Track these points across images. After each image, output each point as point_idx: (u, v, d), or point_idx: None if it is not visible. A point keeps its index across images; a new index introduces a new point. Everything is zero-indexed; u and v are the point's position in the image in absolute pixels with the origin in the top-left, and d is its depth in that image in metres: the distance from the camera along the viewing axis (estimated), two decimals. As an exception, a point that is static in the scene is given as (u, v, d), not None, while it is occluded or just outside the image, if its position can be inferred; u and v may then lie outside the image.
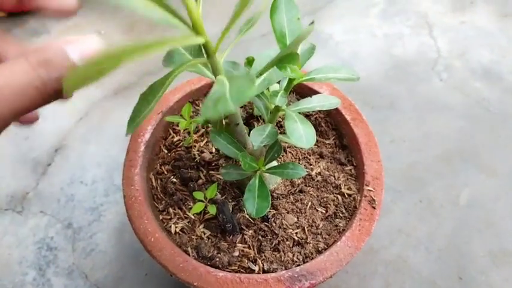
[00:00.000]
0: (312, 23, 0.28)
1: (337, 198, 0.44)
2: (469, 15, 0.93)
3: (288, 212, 0.43)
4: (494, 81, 0.82)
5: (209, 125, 0.47)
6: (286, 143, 0.46)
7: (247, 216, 0.43)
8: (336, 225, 0.42)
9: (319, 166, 0.46)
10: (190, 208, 0.44)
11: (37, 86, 0.23)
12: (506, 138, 0.75)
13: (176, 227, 0.43)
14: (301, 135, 0.34)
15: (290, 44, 0.29)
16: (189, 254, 0.40)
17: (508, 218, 0.67)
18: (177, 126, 0.50)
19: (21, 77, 0.23)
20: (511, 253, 0.64)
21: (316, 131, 0.41)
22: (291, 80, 0.35)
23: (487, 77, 0.83)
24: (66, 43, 0.25)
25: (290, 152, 0.47)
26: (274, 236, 0.41)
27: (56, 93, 0.25)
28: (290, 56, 0.29)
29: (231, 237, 0.42)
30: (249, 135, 0.38)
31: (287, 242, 0.41)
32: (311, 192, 0.44)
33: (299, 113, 0.37)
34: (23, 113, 0.24)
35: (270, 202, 0.37)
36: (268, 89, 0.39)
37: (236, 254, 0.41)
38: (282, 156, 0.47)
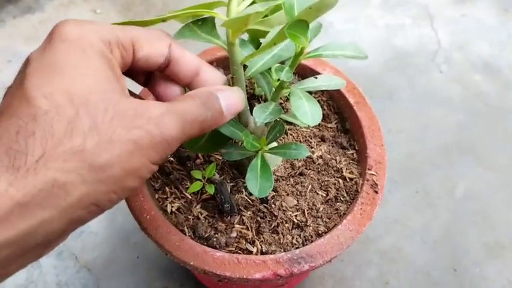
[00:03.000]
0: None
1: (338, 182, 0.43)
2: (470, 8, 0.92)
3: (287, 195, 0.42)
4: (493, 75, 0.82)
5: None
6: (288, 123, 0.45)
7: (245, 197, 0.42)
8: (337, 209, 0.41)
9: (321, 149, 0.45)
10: (187, 188, 0.42)
11: (201, 120, 0.29)
12: (503, 131, 0.75)
13: (172, 206, 0.41)
14: (307, 111, 0.33)
15: (310, 10, 0.27)
16: (185, 234, 0.39)
17: (504, 211, 0.67)
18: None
19: (194, 110, 0.28)
20: (505, 246, 0.63)
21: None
22: (297, 55, 0.33)
23: (487, 70, 0.82)
24: (218, 90, 0.31)
25: (291, 134, 0.46)
26: (273, 218, 0.40)
27: (208, 129, 0.30)
28: (299, 24, 0.28)
29: (228, 218, 0.41)
30: (251, 114, 0.37)
31: (286, 225, 0.40)
32: (312, 176, 0.43)
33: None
34: (186, 138, 0.28)
35: (273, 182, 0.36)
36: (270, 68, 0.38)
37: (234, 235, 0.40)
38: (283, 138, 0.46)
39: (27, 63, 0.26)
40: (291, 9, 0.32)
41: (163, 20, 0.31)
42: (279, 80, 0.37)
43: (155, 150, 0.26)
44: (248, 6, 0.31)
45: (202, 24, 0.33)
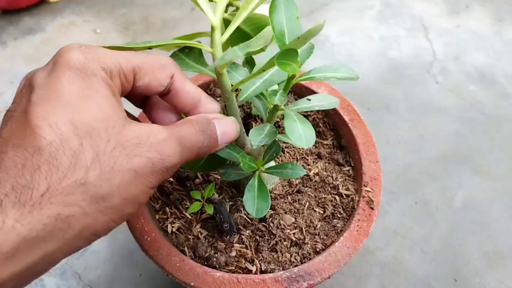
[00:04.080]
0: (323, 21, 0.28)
1: (335, 198, 0.44)
2: (465, 19, 0.93)
3: (285, 213, 0.43)
4: (488, 85, 0.83)
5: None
6: (284, 143, 0.46)
7: (244, 216, 0.42)
8: (334, 226, 0.42)
9: (317, 167, 0.46)
10: (187, 208, 0.43)
11: (199, 147, 0.30)
12: (500, 140, 0.75)
13: (173, 227, 0.42)
14: (301, 134, 0.34)
15: (298, 39, 0.28)
16: (185, 254, 0.40)
17: (502, 219, 0.67)
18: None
19: (193, 137, 0.30)
20: (505, 255, 0.64)
21: (314, 131, 0.41)
22: (290, 79, 0.34)
23: (482, 80, 0.83)
24: (215, 119, 0.32)
25: (288, 152, 0.47)
26: (271, 237, 0.41)
27: (204, 154, 0.32)
28: (289, 53, 0.29)
29: (228, 237, 0.41)
30: (247, 135, 0.38)
31: (285, 243, 0.41)
32: (309, 193, 0.44)
33: (298, 112, 0.37)
34: (183, 163, 0.29)
35: (270, 202, 0.37)
36: (266, 90, 0.39)
37: (233, 254, 0.40)
38: (280, 156, 0.47)
39: (31, 88, 0.26)
40: (282, 36, 0.33)
41: (150, 48, 0.32)
42: (273, 102, 0.37)
43: (155, 177, 0.27)
44: (231, 35, 0.32)
45: (190, 52, 0.34)
